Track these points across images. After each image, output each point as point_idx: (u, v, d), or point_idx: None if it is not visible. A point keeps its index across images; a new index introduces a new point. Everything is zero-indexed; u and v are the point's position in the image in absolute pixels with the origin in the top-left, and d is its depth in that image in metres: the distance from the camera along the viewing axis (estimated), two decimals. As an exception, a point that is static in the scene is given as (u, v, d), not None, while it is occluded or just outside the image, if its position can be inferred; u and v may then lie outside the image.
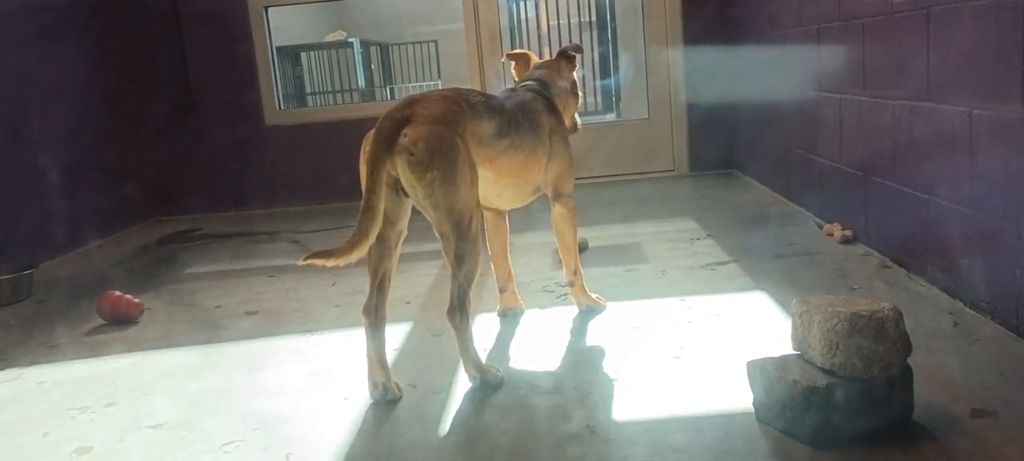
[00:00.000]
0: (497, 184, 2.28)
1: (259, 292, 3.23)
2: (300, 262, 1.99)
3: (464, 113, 2.12)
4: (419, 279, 3.17)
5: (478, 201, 2.12)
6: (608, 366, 2.17)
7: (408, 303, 2.88)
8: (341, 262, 1.95)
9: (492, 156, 2.20)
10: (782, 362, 1.76)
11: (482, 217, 2.17)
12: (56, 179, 4.28)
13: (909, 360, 1.67)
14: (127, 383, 2.36)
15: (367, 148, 2.01)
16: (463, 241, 2.04)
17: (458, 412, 1.98)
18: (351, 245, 1.94)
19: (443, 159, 1.99)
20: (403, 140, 1.98)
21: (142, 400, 2.23)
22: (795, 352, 1.77)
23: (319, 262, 1.96)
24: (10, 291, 3.36)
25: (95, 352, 2.66)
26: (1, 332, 2.99)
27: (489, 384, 2.09)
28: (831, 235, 3.26)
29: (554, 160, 2.45)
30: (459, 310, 2.07)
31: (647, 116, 5.39)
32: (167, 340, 2.72)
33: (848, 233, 3.18)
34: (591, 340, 2.35)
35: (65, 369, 2.52)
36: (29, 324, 3.06)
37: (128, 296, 2.97)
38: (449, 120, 2.06)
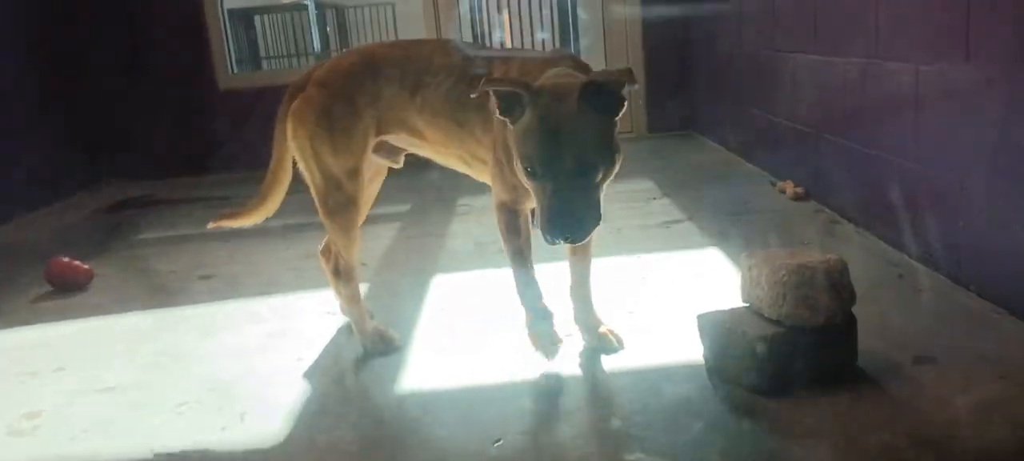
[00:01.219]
0: (438, 155, 2.09)
1: (214, 257, 3.19)
2: (209, 226, 2.18)
3: (370, 72, 2.00)
4: (376, 242, 3.16)
5: (350, 170, 2.00)
6: (561, 322, 2.18)
7: (364, 265, 2.86)
8: (246, 223, 2.17)
9: (405, 118, 2.01)
10: (731, 314, 1.79)
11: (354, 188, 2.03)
12: (3, 145, 4.17)
13: (854, 310, 1.71)
14: (77, 348, 2.33)
15: None
16: (322, 209, 2.05)
17: (413, 367, 1.99)
18: (251, 208, 2.17)
19: (305, 129, 2.01)
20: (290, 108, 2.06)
21: (92, 364, 2.20)
22: (745, 304, 1.80)
23: (226, 224, 2.17)
24: (-44, 259, 3.29)
25: (43, 318, 2.61)
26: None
27: (375, 351, 2.08)
28: (784, 192, 3.31)
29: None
30: (334, 274, 2.12)
31: (605, 78, 5.39)
32: (118, 306, 2.68)
33: (800, 190, 3.22)
34: (545, 298, 2.35)
35: (12, 335, 2.48)
36: (-24, 292, 3.00)
37: (77, 262, 2.92)
38: (339, 85, 2.01)
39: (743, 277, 1.81)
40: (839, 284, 1.66)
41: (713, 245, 2.75)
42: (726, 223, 3.02)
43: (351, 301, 2.12)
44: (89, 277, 2.91)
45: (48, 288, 2.87)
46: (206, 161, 5.14)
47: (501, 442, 1.60)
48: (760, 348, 1.66)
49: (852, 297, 1.69)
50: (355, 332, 2.13)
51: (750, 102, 3.98)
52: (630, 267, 2.61)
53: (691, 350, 1.86)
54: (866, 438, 1.48)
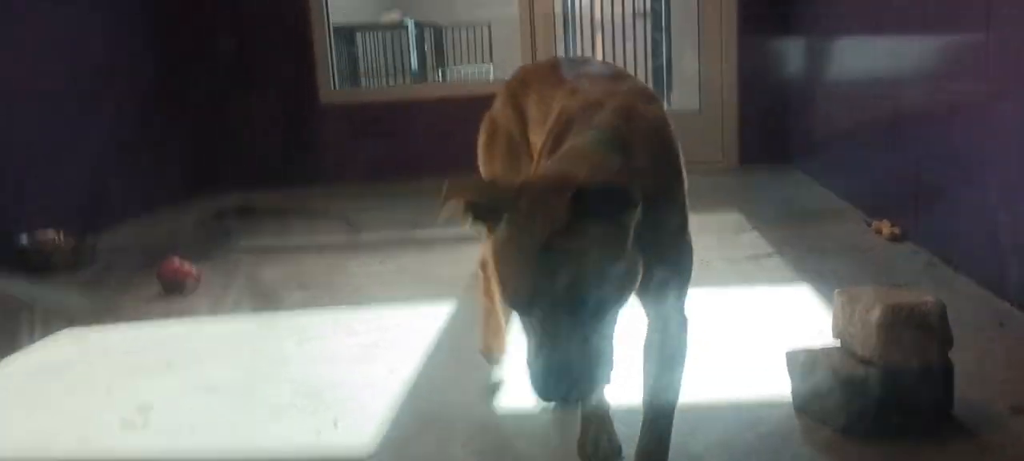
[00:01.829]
0: None
1: (311, 267, 3.32)
2: None
3: (532, 81, 1.79)
4: (471, 261, 3.23)
5: None
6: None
7: (457, 282, 2.93)
8: None
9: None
10: (821, 352, 1.77)
11: None
12: (117, 152, 4.42)
13: (951, 355, 1.68)
14: (185, 347, 2.47)
15: None
16: None
17: (505, 385, 2.04)
18: None
19: (479, 146, 1.91)
20: None
21: (199, 364, 2.32)
22: (835, 342, 1.79)
23: None
24: (73, 257, 3.50)
25: (154, 317, 2.77)
26: (65, 296, 3.13)
27: (486, 357, 2.10)
28: (879, 232, 3.24)
29: None
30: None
31: (698, 108, 5.38)
32: (222, 309, 2.82)
33: (896, 230, 3.15)
34: (630, 328, 2.37)
35: (126, 332, 2.64)
36: (91, 289, 3.19)
37: (186, 265, 3.07)
38: (512, 89, 1.85)
39: (835, 314, 1.79)
40: (936, 327, 1.64)
41: (803, 281, 2.72)
42: (817, 260, 2.98)
43: (486, 301, 2.10)
44: (197, 280, 3.06)
45: (159, 289, 3.04)
46: (306, 173, 5.33)
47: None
48: (851, 388, 1.65)
49: (949, 341, 1.66)
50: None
51: (847, 138, 3.91)
52: (717, 300, 2.60)
53: (778, 386, 1.85)
54: (958, 487, 1.46)
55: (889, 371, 1.63)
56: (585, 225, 1.11)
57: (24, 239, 3.52)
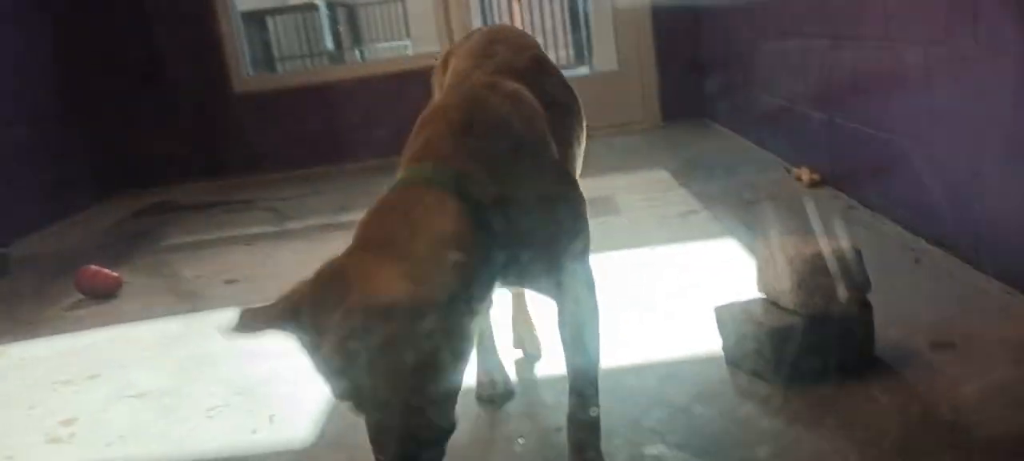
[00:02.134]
0: None
1: (237, 260, 3.25)
2: None
3: (454, 55, 1.78)
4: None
5: None
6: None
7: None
8: None
9: None
10: (748, 306, 1.81)
11: None
12: (26, 157, 4.24)
13: (871, 296, 1.72)
14: (109, 355, 2.39)
15: None
16: None
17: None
18: None
19: None
20: None
21: (125, 371, 2.26)
22: (761, 295, 1.82)
23: None
24: (-14, 271, 3.36)
25: (76, 327, 2.67)
26: (-21, 312, 3.00)
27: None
28: (800, 179, 3.31)
29: None
30: None
31: (617, 67, 5.41)
32: (147, 312, 2.74)
33: (816, 176, 3.23)
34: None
35: (46, 344, 2.54)
36: (7, 302, 3.07)
37: (106, 270, 2.98)
38: (440, 67, 1.84)
39: (759, 267, 1.83)
40: (853, 272, 1.68)
41: (729, 235, 2.77)
42: (742, 212, 3.03)
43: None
44: (118, 284, 2.97)
45: (79, 297, 2.94)
46: (225, 165, 5.20)
47: (524, 440, 1.63)
48: (776, 339, 1.68)
49: (867, 284, 1.70)
50: None
51: (763, 88, 3.98)
52: (646, 258, 2.63)
53: (710, 342, 1.88)
54: (883, 425, 1.51)
55: (811, 320, 1.67)
56: (382, 331, 1.06)
57: (-71, 257, 3.37)
